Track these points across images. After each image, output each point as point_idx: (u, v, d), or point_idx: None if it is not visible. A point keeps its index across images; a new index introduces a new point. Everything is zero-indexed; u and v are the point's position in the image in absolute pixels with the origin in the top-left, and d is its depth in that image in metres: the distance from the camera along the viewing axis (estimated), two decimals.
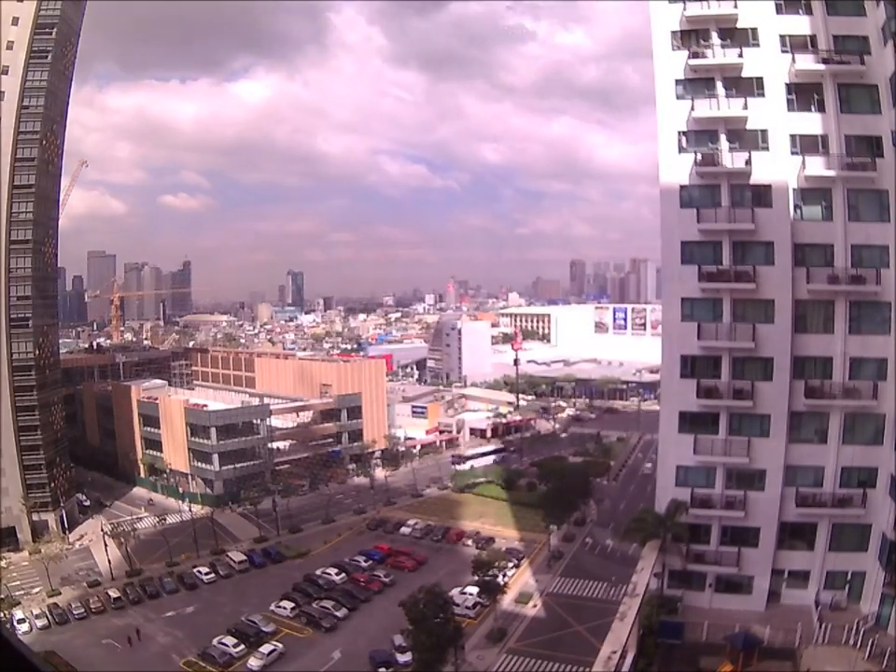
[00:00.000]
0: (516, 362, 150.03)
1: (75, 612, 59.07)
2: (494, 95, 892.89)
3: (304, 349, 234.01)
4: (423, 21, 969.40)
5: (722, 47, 47.07)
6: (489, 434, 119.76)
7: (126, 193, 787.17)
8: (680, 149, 47.85)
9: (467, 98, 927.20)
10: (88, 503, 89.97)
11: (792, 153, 45.93)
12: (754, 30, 46.57)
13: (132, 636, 54.30)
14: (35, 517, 77.10)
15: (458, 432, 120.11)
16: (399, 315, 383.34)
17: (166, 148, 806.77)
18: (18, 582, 65.28)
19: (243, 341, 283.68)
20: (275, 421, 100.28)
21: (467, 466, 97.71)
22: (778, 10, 46.21)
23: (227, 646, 51.65)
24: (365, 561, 67.70)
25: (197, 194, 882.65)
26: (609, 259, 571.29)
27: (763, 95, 46.49)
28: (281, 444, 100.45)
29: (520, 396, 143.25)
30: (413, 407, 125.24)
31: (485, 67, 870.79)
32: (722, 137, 47.39)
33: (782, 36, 46.00)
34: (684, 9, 47.14)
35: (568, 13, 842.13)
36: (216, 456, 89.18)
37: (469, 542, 72.14)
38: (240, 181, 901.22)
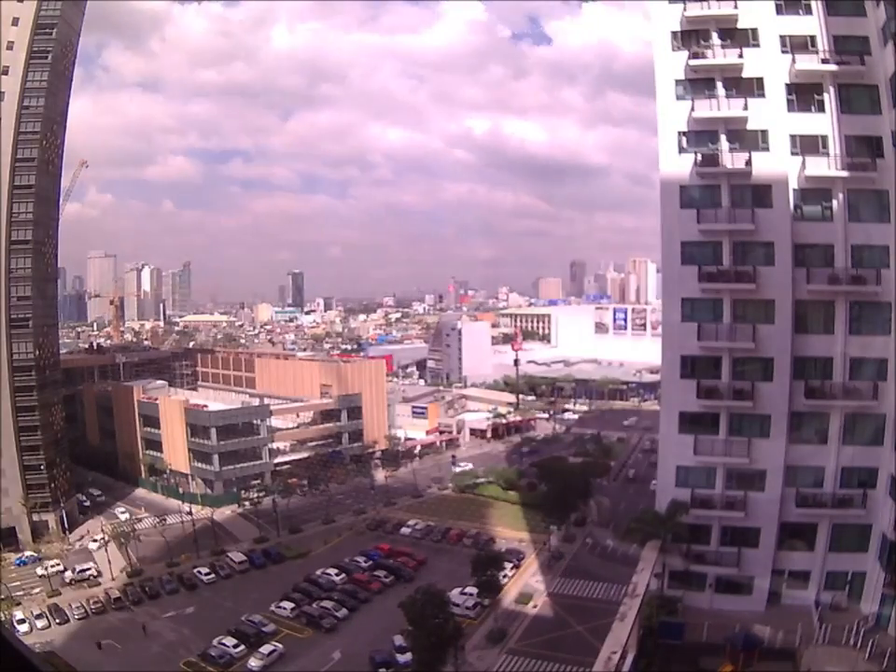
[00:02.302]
0: (516, 363, 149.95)
1: (75, 612, 59.04)
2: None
3: (304, 350, 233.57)
4: None
5: (722, 47, 47.12)
6: (489, 434, 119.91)
7: None
8: (680, 150, 47.92)
9: None
10: (88, 503, 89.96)
11: (792, 153, 45.97)
12: (754, 30, 46.63)
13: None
14: (35, 517, 76.99)
15: (458, 433, 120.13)
16: (399, 315, 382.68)
17: None
18: (18, 583, 65.31)
19: (243, 341, 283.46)
20: (276, 421, 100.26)
21: None
22: (778, 11, 46.28)
23: (227, 646, 51.60)
24: (365, 561, 67.70)
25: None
26: (609, 259, 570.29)
27: (763, 95, 46.54)
28: (281, 445, 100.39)
29: (520, 396, 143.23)
30: (414, 407, 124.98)
31: None
32: (723, 137, 47.43)
33: (782, 37, 46.06)
34: (684, 10, 47.21)
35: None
36: (216, 457, 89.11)
37: (469, 543, 72.10)
38: None
